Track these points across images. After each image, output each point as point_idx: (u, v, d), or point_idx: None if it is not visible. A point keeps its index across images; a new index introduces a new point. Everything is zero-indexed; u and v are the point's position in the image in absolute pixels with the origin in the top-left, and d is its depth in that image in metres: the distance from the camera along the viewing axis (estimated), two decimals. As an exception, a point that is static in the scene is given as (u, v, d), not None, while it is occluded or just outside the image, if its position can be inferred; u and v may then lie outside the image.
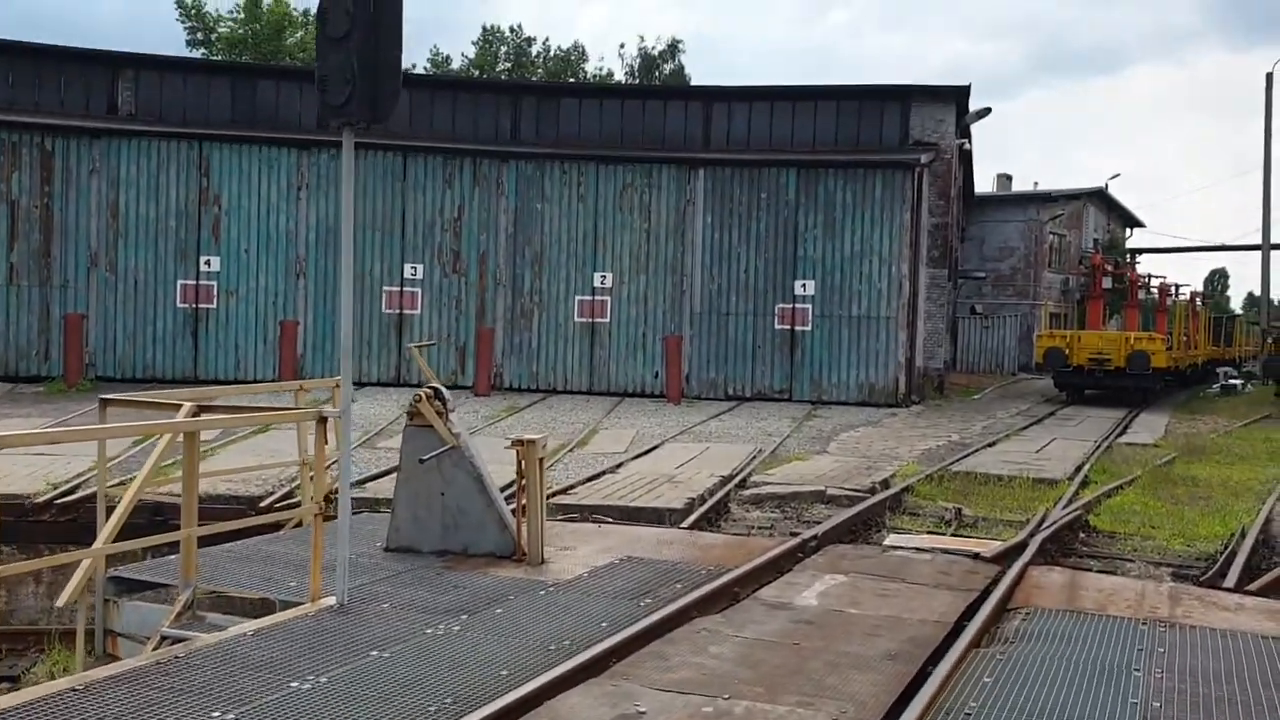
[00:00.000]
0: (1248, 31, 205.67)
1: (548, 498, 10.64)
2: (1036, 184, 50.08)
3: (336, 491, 9.21)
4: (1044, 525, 10.19)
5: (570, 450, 15.31)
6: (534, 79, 27.03)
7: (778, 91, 28.09)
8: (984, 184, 49.93)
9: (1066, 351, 27.05)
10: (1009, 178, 52.26)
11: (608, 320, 25.25)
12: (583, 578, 7.27)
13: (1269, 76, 37.06)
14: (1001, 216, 46.28)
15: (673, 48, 55.78)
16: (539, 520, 7.51)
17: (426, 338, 25.12)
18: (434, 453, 7.55)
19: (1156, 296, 35.82)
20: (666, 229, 25.26)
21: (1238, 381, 33.62)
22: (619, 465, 13.70)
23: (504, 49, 56.18)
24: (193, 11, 50.76)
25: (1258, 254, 39.33)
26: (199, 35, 49.89)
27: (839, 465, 13.97)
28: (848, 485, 12.19)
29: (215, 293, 24.52)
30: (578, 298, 25.28)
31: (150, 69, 26.79)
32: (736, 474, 12.98)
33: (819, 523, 10.28)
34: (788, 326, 24.98)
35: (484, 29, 57.53)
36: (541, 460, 7.54)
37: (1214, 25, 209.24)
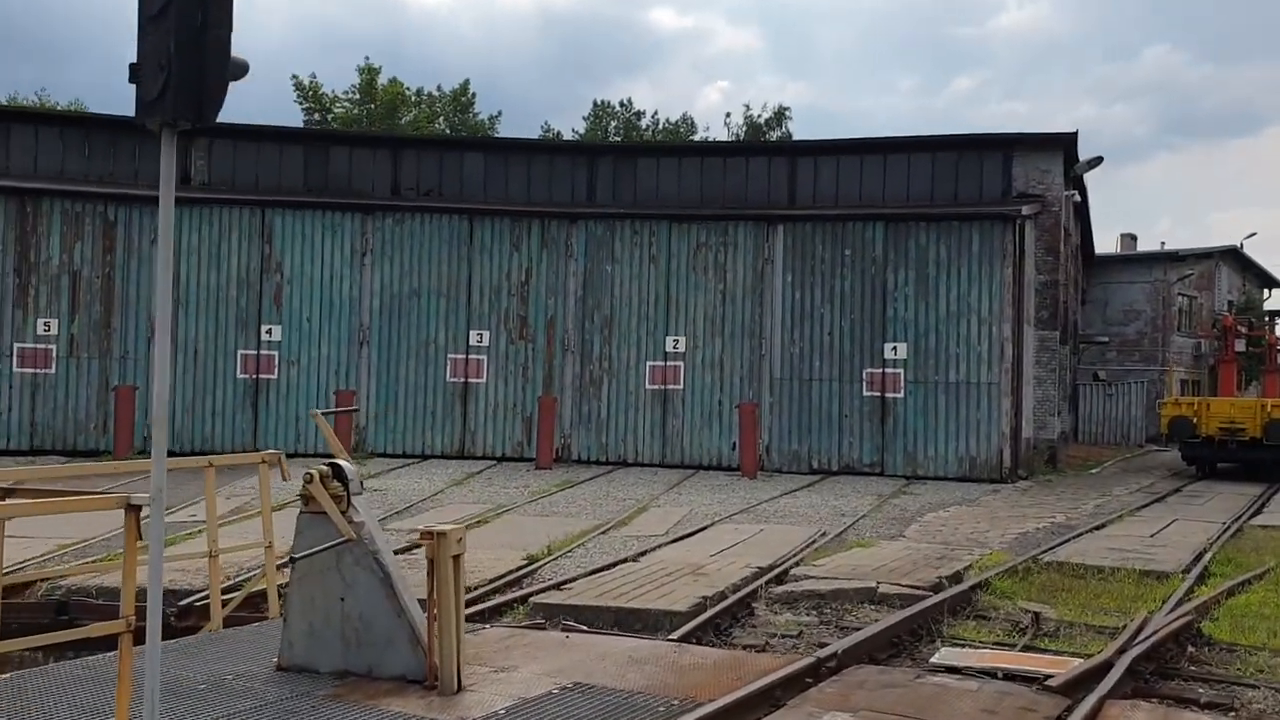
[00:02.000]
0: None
1: (535, 594, 9.05)
2: (1164, 244, 46.95)
3: (266, 589, 7.79)
4: (1140, 637, 8.12)
5: (604, 532, 13.66)
6: (611, 141, 26.12)
7: (868, 144, 26.36)
8: (1108, 245, 47.13)
9: (1195, 421, 24.30)
10: (1134, 238, 49.18)
11: (680, 387, 23.65)
12: (498, 717, 5.62)
13: None
14: (1126, 278, 43.31)
15: (779, 115, 54.29)
16: (452, 636, 5.90)
17: (493, 407, 23.94)
18: (319, 548, 6.04)
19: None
20: (744, 289, 23.66)
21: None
22: (644, 552, 12.00)
23: (614, 124, 55.71)
24: (309, 92, 51.76)
25: None
26: (315, 116, 50.69)
27: (908, 554, 12.00)
28: (908, 580, 10.25)
29: (276, 363, 23.77)
30: (649, 363, 23.78)
31: (224, 138, 26.50)
32: (779, 564, 11.14)
33: (859, 629, 8.42)
34: (877, 393, 22.99)
35: (595, 104, 57.32)
36: (458, 559, 5.94)
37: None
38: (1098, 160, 26.03)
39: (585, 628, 7.66)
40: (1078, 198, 27.94)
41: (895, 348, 22.93)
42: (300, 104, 51.57)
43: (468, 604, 6.91)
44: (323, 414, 6.65)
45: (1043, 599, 10.27)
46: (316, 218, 24.13)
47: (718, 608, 8.78)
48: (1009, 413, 22.38)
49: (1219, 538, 14.37)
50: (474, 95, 53.92)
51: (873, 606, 9.60)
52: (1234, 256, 45.80)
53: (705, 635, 8.11)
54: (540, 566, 10.89)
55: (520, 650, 6.92)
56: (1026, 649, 8.34)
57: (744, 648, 7.96)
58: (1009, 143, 25.25)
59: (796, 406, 23.34)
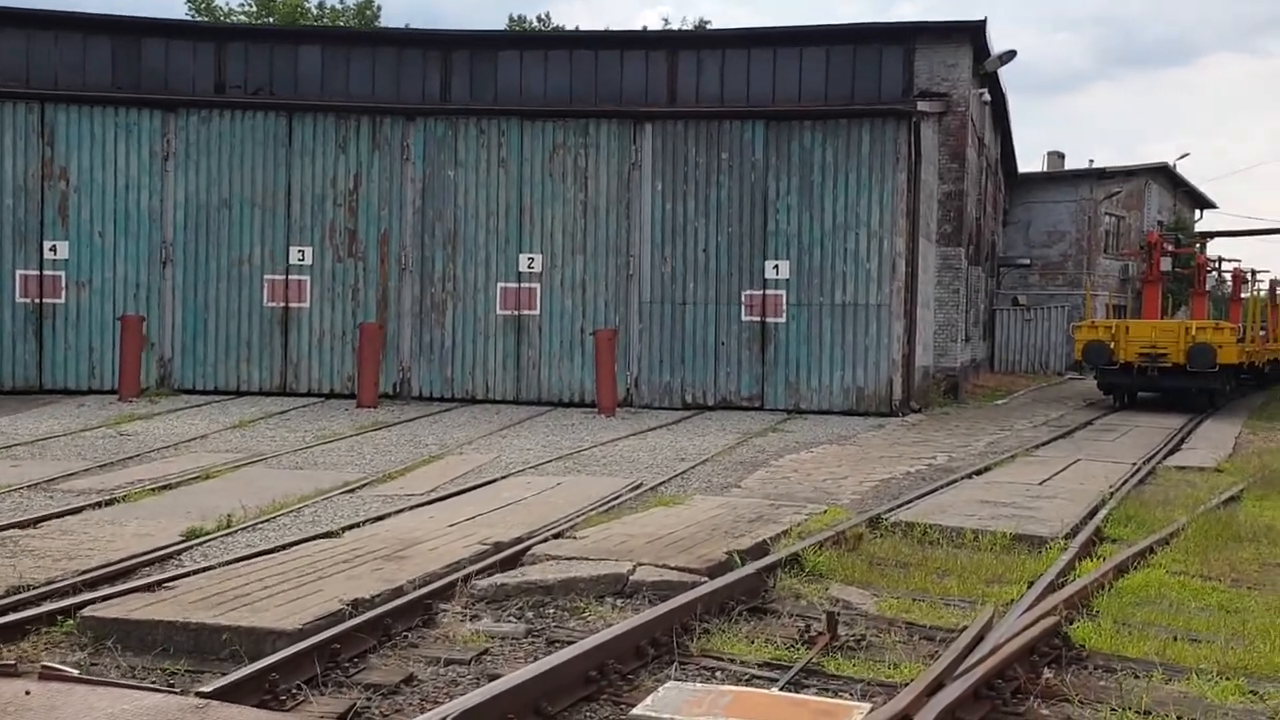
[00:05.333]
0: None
1: (103, 599, 6.13)
2: (1092, 161, 44.51)
3: None
4: (973, 657, 5.41)
5: (353, 490, 10.75)
6: (467, 30, 22.67)
7: (756, 36, 23.33)
8: (1033, 164, 44.62)
9: (1112, 346, 21.83)
10: (1061, 156, 46.61)
11: (537, 312, 20.67)
12: None
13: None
14: (1051, 197, 40.83)
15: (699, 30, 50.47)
16: None
17: (318, 336, 20.82)
18: None
19: (1230, 284, 30.39)
20: (608, 199, 20.61)
21: (1329, 381, 28.03)
22: (379, 518, 9.12)
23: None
24: (202, 4, 47.55)
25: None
26: (207, 31, 46.52)
27: (718, 515, 9.24)
28: (685, 558, 7.47)
29: (63, 284, 20.37)
30: (501, 285, 20.74)
31: (11, 25, 22.76)
32: (532, 536, 8.31)
33: (570, 642, 5.63)
34: (757, 318, 20.21)
35: (510, 19, 53.03)
36: None
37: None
38: (1010, 55, 23.21)
39: (74, 673, 4.74)
40: (987, 97, 25.16)
41: (777, 266, 20.10)
42: (192, 17, 47.13)
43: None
44: None
45: (867, 580, 7.56)
46: (108, 116, 20.57)
47: (361, 618, 5.90)
48: (901, 338, 19.72)
49: (1123, 484, 11.82)
50: (379, 7, 49.86)
51: (617, 601, 6.81)
52: (1165, 175, 43.56)
53: (306, 668, 5.22)
54: (192, 547, 7.94)
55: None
56: (805, 674, 5.59)
57: (372, 688, 5.11)
58: (910, 33, 22.37)
59: (668, 334, 20.50)
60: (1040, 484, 11.75)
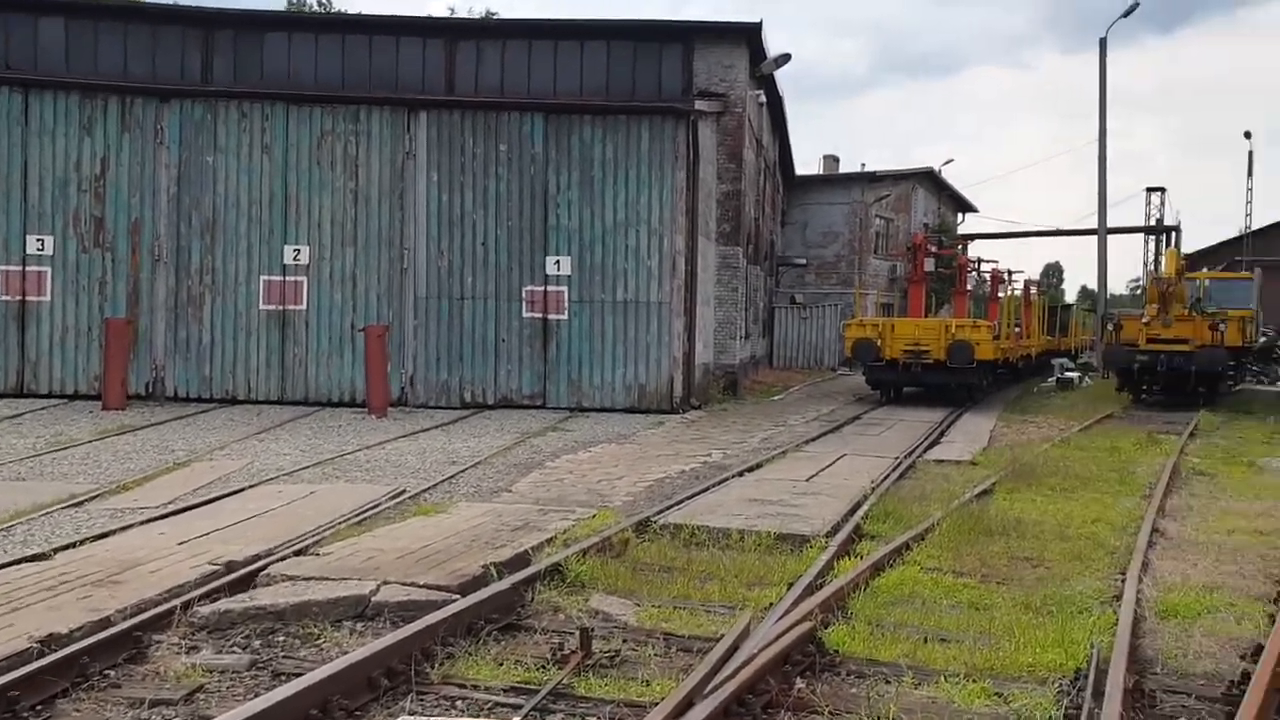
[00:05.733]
0: (1080, 33, 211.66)
1: None
2: (864, 165, 46.35)
3: None
4: (726, 671, 5.20)
5: (79, 504, 9.72)
6: (232, 10, 21.28)
7: (537, 27, 22.90)
8: (810, 166, 46.08)
9: (879, 343, 22.61)
10: (836, 159, 48.39)
11: (303, 307, 19.66)
12: None
13: (1102, 42, 33.76)
14: (826, 199, 42.25)
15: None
16: None
17: (60, 332, 19.10)
18: None
19: (988, 284, 32.13)
20: (381, 189, 19.81)
21: (1074, 374, 30.05)
22: (101, 536, 8.22)
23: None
24: None
25: (1092, 249, 36.06)
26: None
27: (480, 523, 8.81)
28: (438, 573, 7.02)
29: None
30: (264, 278, 19.62)
31: None
32: (271, 553, 7.64)
33: (299, 674, 5.08)
34: (539, 314, 19.85)
35: (289, 0, 50.24)
36: None
37: (1046, 28, 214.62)
38: (785, 58, 23.69)
39: None
40: (764, 99, 25.65)
41: (558, 261, 19.81)
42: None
43: None
44: None
45: (630, 589, 7.30)
46: None
47: (52, 657, 5.17)
48: (681, 335, 19.79)
49: (885, 479, 12.08)
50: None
51: (357, 626, 6.29)
52: (930, 179, 45.85)
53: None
54: None
55: None
56: (553, 697, 5.25)
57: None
58: (688, 32, 22.45)
59: (446, 330, 19.87)
60: (807, 480, 11.87)
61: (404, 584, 6.77)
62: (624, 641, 6.18)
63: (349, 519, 9.11)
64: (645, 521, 9.14)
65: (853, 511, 9.95)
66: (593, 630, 6.04)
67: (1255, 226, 54.37)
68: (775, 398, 24.27)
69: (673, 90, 22.42)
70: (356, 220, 19.72)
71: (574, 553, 7.76)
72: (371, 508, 9.74)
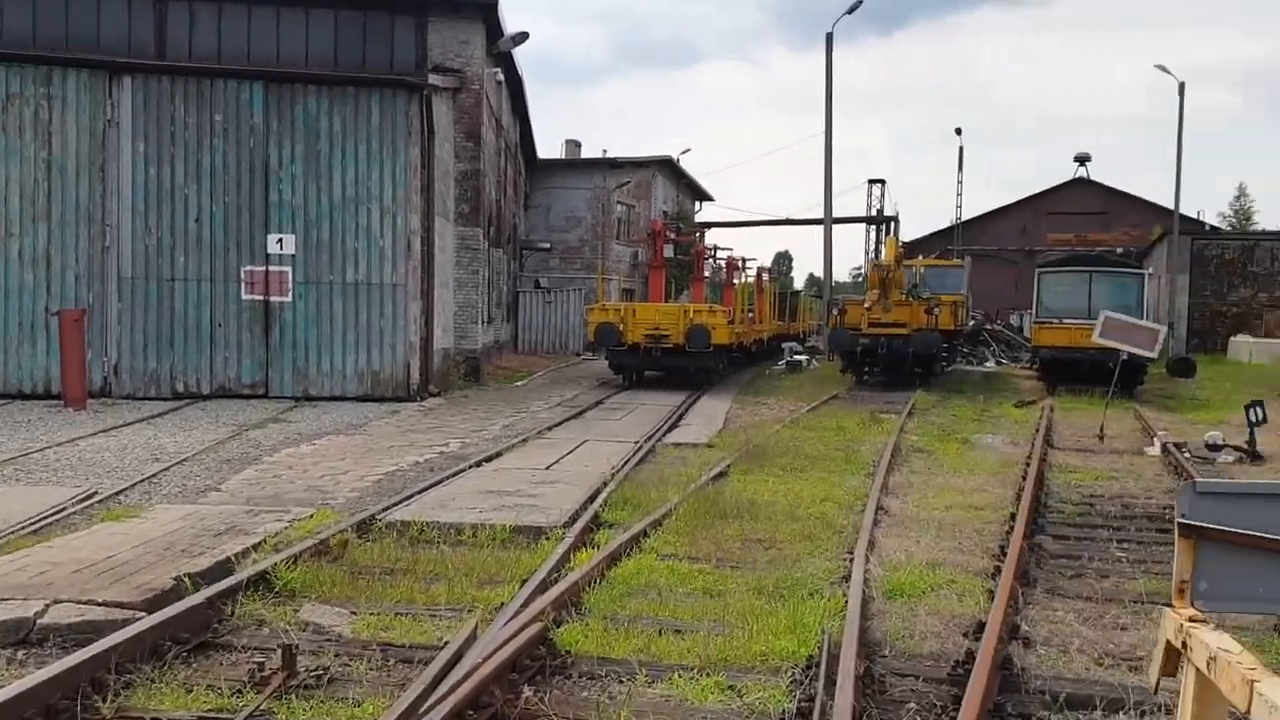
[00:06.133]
0: (806, 33, 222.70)
1: None
2: (605, 151, 46.58)
3: None
4: (446, 686, 4.72)
5: None
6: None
7: (257, -9, 21.37)
8: (554, 151, 45.86)
9: (621, 328, 22.61)
10: (578, 144, 48.42)
11: (-13, 290, 17.51)
12: None
13: (829, 36, 35.19)
14: (569, 184, 42.19)
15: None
16: None
17: None
18: None
19: (725, 271, 32.96)
20: (79, 160, 17.96)
21: (803, 357, 31.28)
22: None
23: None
24: None
25: (819, 237, 37.65)
26: None
27: (177, 530, 7.90)
28: (121, 588, 6.16)
29: None
30: (-63, 257, 17.33)
31: None
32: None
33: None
34: (260, 297, 18.57)
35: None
36: None
37: (774, 26, 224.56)
38: (522, 36, 23.22)
39: None
40: (502, 77, 25.12)
41: (281, 240, 18.58)
42: None
43: None
44: None
45: (347, 596, 6.68)
46: None
47: None
48: (418, 319, 19.02)
49: (625, 465, 11.89)
50: None
51: (19, 654, 5.38)
52: (669, 168, 46.61)
53: None
54: None
55: None
56: (245, 731, 4.61)
57: None
58: (422, 5, 21.58)
59: (154, 314, 18.26)
60: (547, 468, 11.52)
61: (79, 602, 5.88)
62: (336, 656, 5.58)
63: (23, 527, 7.98)
64: (369, 520, 8.49)
65: (592, 499, 9.66)
66: (298, 646, 5.40)
67: (965, 218, 58.79)
68: (519, 383, 23.86)
69: (406, 64, 21.54)
70: (50, 193, 17.79)
71: (284, 558, 7.04)
72: (55, 513, 8.60)
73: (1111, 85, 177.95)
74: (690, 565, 7.57)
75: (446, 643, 5.57)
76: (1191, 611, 2.74)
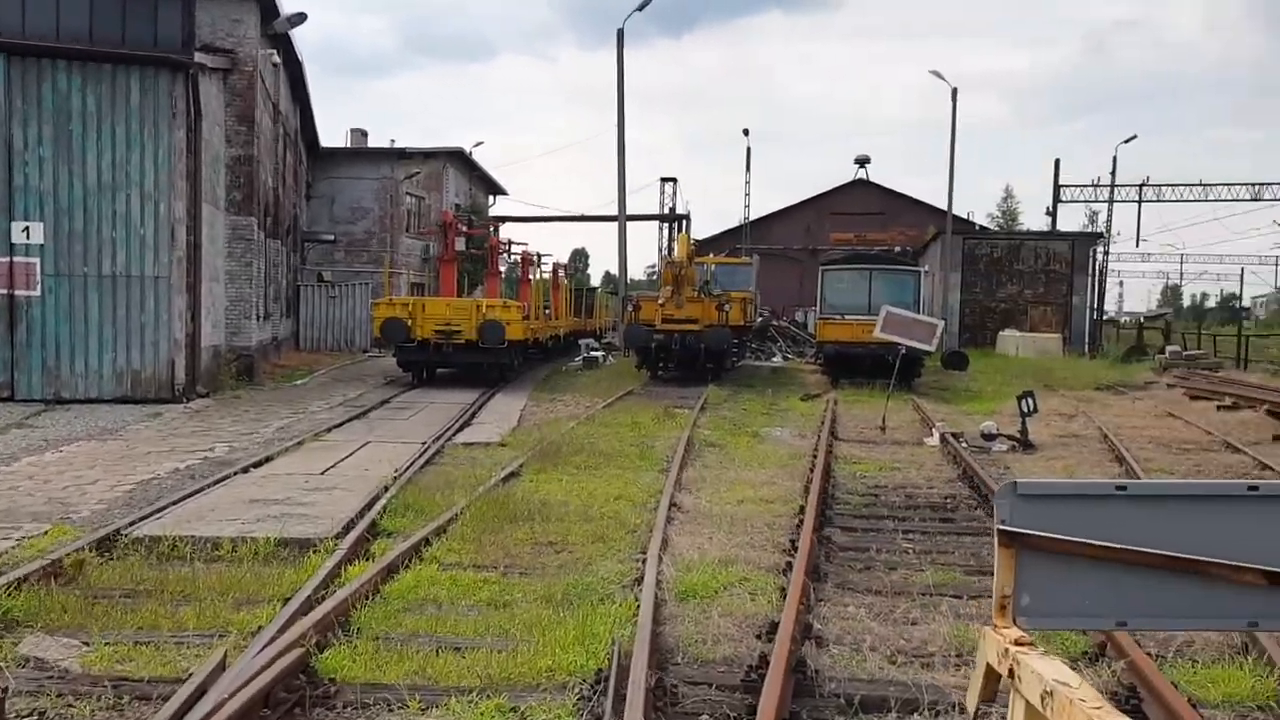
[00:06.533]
0: (596, 31, 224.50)
1: None
2: (394, 141, 45.17)
3: None
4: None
5: None
6: None
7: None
8: (339, 142, 44.09)
9: (409, 323, 21.78)
10: (365, 133, 46.76)
11: None
12: None
13: (620, 32, 35.15)
14: (355, 174, 40.65)
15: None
16: None
17: None
18: None
19: (520, 266, 32.45)
20: None
21: (599, 353, 31.15)
22: None
23: None
24: None
25: (613, 235, 37.62)
26: None
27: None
28: None
29: None
30: None
31: None
32: None
33: None
34: (4, 290, 16.90)
35: None
36: None
37: (566, 24, 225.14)
38: (300, 17, 22.04)
39: None
40: (278, 59, 23.81)
41: (28, 229, 16.93)
42: None
43: None
44: None
45: (81, 622, 5.89)
46: None
47: None
48: (184, 314, 17.70)
49: (410, 467, 11.28)
50: None
51: None
52: (461, 160, 45.66)
53: None
54: None
55: None
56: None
57: None
58: (190, -23, 20.07)
59: (-125, 309, 16.25)
60: (322, 473, 10.78)
61: None
62: (59, 696, 4.85)
63: None
64: (113, 536, 7.61)
65: (370, 506, 9.03)
66: (10, 688, 4.63)
67: (753, 217, 60.25)
68: (299, 382, 22.65)
69: (171, 42, 19.92)
70: None
71: (4, 583, 6.15)
72: None
73: (891, 90, 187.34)
74: (475, 574, 7.10)
75: (190, 674, 4.92)
76: (1017, 633, 2.43)
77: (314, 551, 7.48)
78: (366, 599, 6.30)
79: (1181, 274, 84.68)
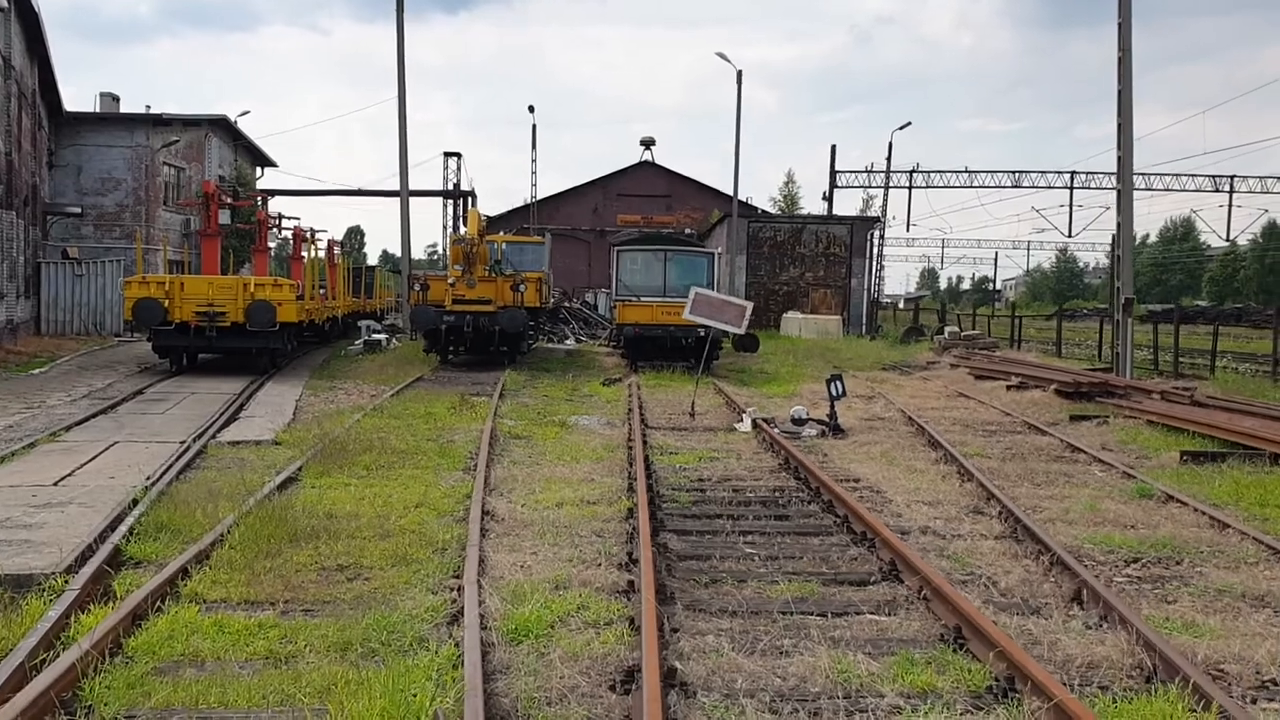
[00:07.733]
0: (372, 4, 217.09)
1: None
2: (149, 107, 41.34)
3: None
4: None
5: None
6: None
7: None
8: (84, 103, 40.03)
9: (166, 304, 19.46)
10: (116, 99, 42.62)
11: None
12: None
13: (399, 1, 33.17)
14: (105, 141, 36.91)
15: None
16: None
17: None
18: None
19: (292, 243, 30.10)
20: None
21: (382, 336, 29.25)
22: None
23: None
24: None
25: (392, 214, 35.63)
26: None
27: None
28: None
29: None
30: None
31: None
32: None
33: None
34: None
35: None
36: None
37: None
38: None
39: None
40: (6, 3, 20.84)
41: None
42: None
43: None
44: None
45: None
46: None
47: None
48: (-114, 294, 14.99)
49: (165, 473, 9.58)
50: None
51: None
52: (225, 129, 42.36)
53: None
54: None
55: None
56: None
57: None
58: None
59: None
60: (56, 484, 8.97)
61: None
62: None
63: None
64: None
65: (113, 527, 7.41)
66: None
67: (540, 197, 59.05)
68: (36, 371, 19.91)
69: None
70: None
71: None
72: None
73: (669, 78, 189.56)
74: (248, 617, 5.70)
75: None
76: None
77: (36, 593, 5.88)
78: (103, 662, 4.83)
79: (943, 257, 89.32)
